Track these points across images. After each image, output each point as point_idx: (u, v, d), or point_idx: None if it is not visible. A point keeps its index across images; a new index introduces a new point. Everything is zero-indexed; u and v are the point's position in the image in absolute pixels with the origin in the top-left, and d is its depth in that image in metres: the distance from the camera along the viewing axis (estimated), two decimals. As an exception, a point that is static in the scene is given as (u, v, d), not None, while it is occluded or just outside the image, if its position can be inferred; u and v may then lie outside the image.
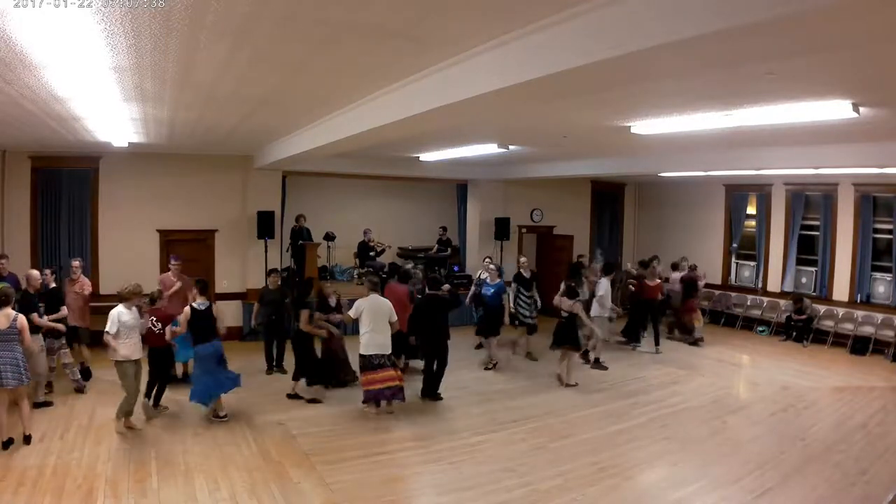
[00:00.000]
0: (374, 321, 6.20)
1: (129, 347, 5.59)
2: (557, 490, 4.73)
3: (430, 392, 6.92)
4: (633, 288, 9.72)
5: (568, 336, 7.50)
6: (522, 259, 9.43)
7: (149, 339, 6.05)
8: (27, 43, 3.28)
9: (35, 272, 6.42)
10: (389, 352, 6.29)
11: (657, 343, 9.46)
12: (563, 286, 7.73)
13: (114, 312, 5.60)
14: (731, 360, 9.19)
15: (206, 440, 5.52)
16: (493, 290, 8.39)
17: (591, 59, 2.52)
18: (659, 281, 9.73)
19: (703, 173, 10.04)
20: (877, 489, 4.76)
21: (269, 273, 8.15)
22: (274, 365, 7.91)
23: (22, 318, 5.18)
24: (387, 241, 12.33)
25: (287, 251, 10.86)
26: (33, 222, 8.73)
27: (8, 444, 5.07)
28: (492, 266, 8.86)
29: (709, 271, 11.95)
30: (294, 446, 5.48)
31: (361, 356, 6.24)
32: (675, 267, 10.76)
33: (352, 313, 6.35)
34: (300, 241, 10.46)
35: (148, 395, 6.15)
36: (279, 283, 8.10)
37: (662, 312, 10.11)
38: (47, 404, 6.19)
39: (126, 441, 5.43)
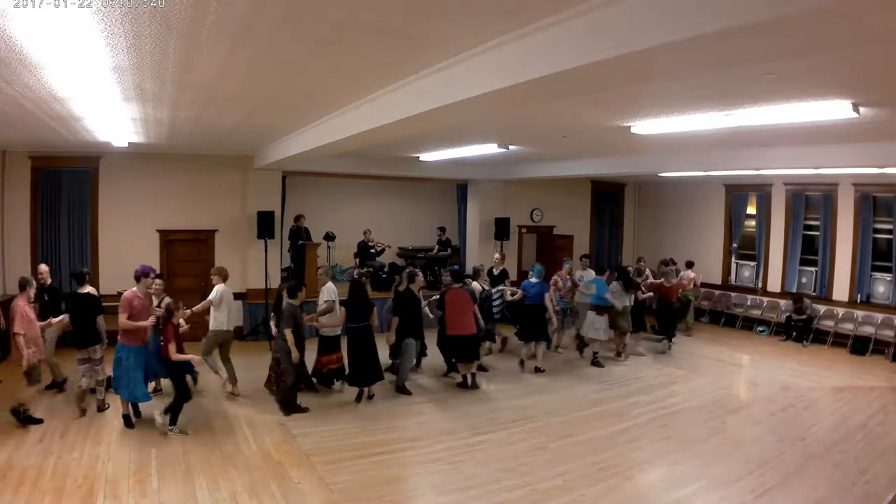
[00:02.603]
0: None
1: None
2: (557, 490, 4.73)
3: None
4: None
5: (535, 328, 8.15)
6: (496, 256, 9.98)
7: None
8: (27, 43, 3.27)
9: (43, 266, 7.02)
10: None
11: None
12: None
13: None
14: (730, 360, 9.19)
15: (206, 440, 5.52)
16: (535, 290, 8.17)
17: (591, 59, 2.52)
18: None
19: (703, 173, 10.04)
20: (877, 489, 4.76)
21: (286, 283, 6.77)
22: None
23: None
24: (387, 241, 12.32)
25: (287, 251, 10.85)
26: (33, 222, 8.70)
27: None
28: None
29: (709, 271, 11.99)
30: (294, 446, 5.48)
31: (329, 339, 6.91)
32: (689, 265, 11.13)
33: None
34: (300, 241, 10.46)
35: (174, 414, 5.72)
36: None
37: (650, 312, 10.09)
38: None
39: (126, 441, 5.42)
